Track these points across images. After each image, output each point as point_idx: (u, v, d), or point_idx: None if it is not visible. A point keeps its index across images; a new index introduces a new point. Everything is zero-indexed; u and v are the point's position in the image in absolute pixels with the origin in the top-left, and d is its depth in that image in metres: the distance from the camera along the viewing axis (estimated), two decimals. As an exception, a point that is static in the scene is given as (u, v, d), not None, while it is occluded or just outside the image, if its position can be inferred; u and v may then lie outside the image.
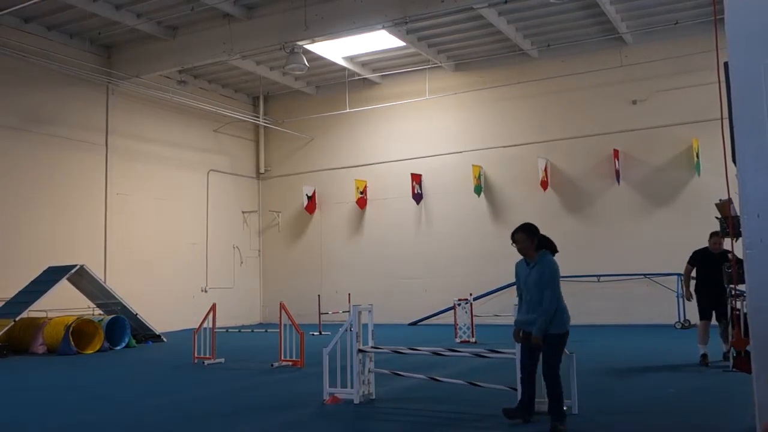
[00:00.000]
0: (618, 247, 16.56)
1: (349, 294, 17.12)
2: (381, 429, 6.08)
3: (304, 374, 9.15)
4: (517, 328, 5.90)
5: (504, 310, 14.79)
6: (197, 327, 11.08)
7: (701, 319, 9.27)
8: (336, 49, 17.07)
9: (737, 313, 7.21)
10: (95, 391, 8.49)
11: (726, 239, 8.36)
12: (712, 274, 9.10)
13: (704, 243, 9.36)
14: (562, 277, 5.78)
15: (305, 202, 20.55)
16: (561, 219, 17.28)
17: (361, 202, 19.86)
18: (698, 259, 9.39)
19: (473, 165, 18.07)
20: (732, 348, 5.62)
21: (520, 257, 5.93)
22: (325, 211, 20.69)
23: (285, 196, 21.30)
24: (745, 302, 6.12)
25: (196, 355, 10.91)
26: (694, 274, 9.51)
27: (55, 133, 16.04)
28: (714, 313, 9.17)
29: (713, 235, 9.13)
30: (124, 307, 14.40)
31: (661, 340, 12.72)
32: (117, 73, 16.87)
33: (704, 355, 9.10)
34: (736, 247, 5.61)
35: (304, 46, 15.36)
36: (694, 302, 9.43)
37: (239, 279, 20.76)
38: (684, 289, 9.70)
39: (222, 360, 10.83)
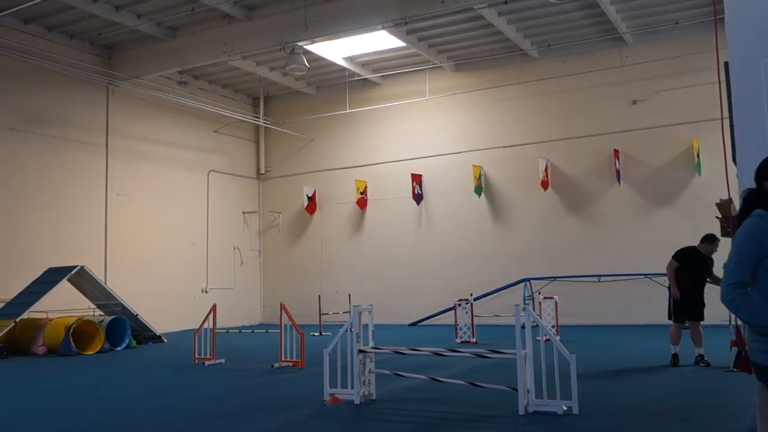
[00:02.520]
0: (618, 247, 16.52)
1: (350, 294, 17.13)
2: (381, 429, 6.07)
3: (305, 375, 9.15)
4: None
5: (504, 310, 14.77)
6: (198, 327, 11.09)
7: (676, 321, 9.18)
8: (336, 50, 17.07)
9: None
10: (95, 391, 8.49)
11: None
12: (698, 276, 9.06)
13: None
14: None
15: (305, 203, 20.55)
16: (561, 219, 17.28)
17: (362, 203, 19.85)
18: (686, 258, 9.16)
19: (473, 165, 18.07)
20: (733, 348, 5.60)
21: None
22: (326, 212, 20.68)
23: (285, 196, 21.30)
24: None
25: (196, 355, 10.91)
26: None
27: (56, 134, 16.04)
28: (691, 315, 9.10)
29: (714, 239, 8.91)
30: (125, 307, 14.40)
31: (661, 341, 12.64)
32: (117, 74, 16.87)
33: (675, 356, 9.12)
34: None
35: (305, 46, 15.36)
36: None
37: (239, 279, 20.76)
38: (672, 286, 9.16)
39: (222, 360, 10.82)
